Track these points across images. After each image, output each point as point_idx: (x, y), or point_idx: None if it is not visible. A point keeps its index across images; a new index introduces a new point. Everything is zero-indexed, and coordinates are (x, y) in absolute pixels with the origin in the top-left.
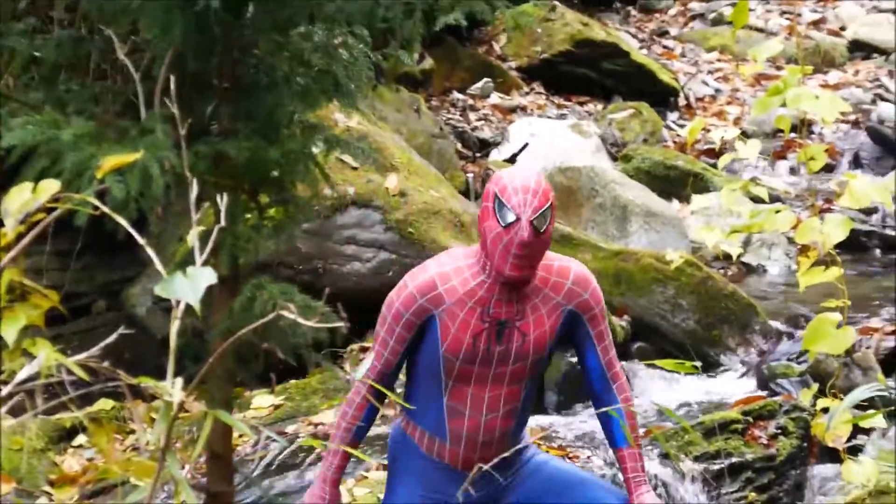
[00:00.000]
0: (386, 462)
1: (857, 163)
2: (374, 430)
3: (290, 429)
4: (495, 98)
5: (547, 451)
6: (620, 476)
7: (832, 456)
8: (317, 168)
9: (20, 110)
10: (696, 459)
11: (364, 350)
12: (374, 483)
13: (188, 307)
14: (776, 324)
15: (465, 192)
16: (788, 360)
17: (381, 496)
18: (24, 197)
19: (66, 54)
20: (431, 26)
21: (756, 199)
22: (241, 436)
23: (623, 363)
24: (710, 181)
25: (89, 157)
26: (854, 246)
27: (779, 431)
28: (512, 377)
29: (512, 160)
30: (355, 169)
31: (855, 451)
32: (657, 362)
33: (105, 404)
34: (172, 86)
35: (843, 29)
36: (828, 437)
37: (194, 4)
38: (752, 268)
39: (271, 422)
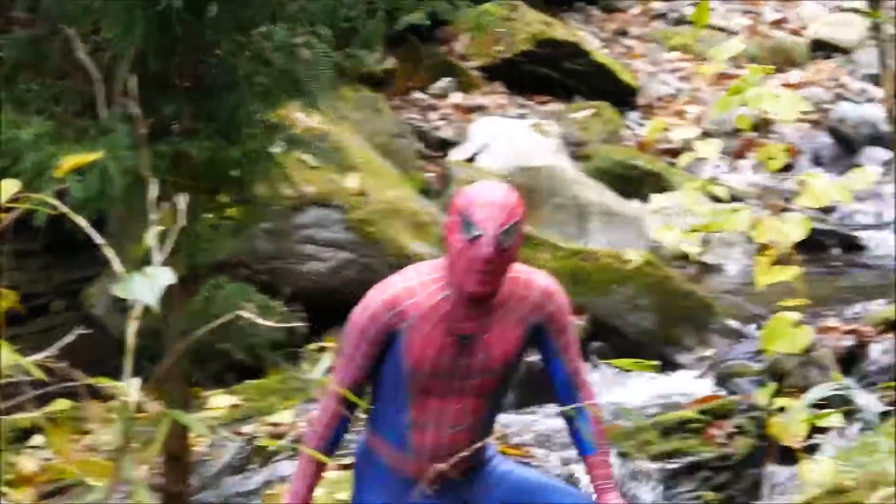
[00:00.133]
0: (344, 462)
1: (817, 162)
2: None
3: (247, 429)
4: (457, 98)
5: (504, 451)
6: (578, 475)
7: (789, 455)
8: (277, 168)
9: None
10: (653, 458)
11: (322, 350)
12: (330, 482)
13: (146, 307)
14: (734, 323)
15: (426, 192)
16: (746, 359)
17: (339, 496)
18: None
19: (26, 54)
20: (394, 26)
21: (716, 199)
22: (198, 436)
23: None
24: (670, 180)
25: (49, 156)
26: (813, 245)
27: (736, 431)
28: (477, 390)
29: (472, 160)
30: (315, 168)
31: (812, 450)
32: (615, 362)
33: (62, 404)
34: (134, 85)
35: (804, 28)
36: (785, 436)
37: (156, 4)
38: (712, 267)
39: (229, 422)
